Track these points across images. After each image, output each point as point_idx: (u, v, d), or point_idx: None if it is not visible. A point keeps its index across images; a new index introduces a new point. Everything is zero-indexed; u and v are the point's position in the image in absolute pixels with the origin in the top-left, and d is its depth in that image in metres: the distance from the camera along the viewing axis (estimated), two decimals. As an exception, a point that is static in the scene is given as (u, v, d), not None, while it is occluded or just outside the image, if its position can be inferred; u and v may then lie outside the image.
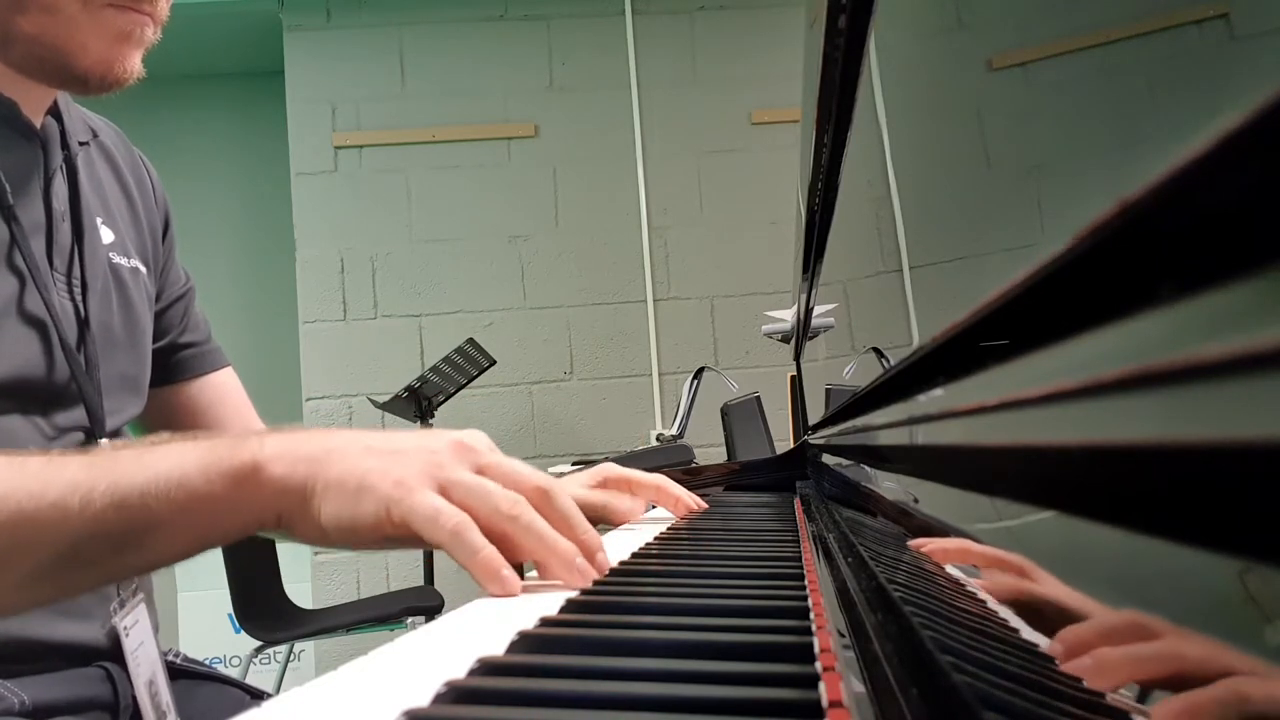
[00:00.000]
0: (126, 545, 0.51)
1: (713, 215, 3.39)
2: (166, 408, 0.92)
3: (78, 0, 0.68)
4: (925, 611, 0.32)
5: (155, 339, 0.89)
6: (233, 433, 0.76)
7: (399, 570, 3.21)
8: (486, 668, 0.30)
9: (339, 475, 0.52)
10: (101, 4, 0.69)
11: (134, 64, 0.72)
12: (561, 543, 0.51)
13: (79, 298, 0.76)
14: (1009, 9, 0.28)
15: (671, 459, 1.83)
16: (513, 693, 0.29)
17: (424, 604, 2.38)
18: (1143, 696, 0.16)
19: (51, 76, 0.73)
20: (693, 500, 0.85)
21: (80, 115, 0.85)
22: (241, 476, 0.52)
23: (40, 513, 0.49)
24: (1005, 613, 0.24)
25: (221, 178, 3.80)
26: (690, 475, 1.33)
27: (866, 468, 0.63)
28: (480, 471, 0.54)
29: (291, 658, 2.54)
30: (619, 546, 0.66)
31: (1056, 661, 0.20)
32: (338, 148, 3.34)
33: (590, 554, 0.53)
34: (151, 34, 0.73)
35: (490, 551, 0.49)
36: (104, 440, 0.76)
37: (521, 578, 0.51)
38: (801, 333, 1.41)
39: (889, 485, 0.52)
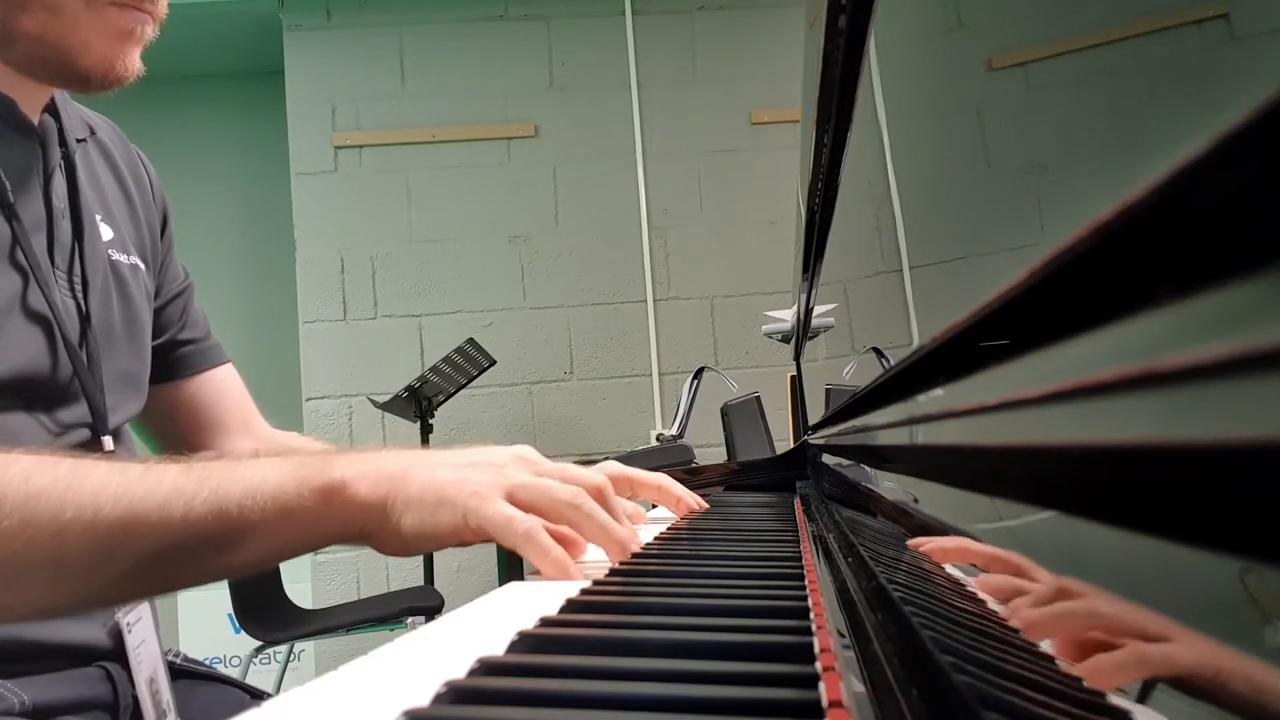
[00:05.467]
0: (223, 548, 0.56)
1: (713, 215, 3.39)
2: (168, 405, 0.92)
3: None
4: (925, 611, 0.32)
5: (154, 336, 0.89)
6: (292, 445, 0.81)
7: (399, 570, 3.21)
8: (486, 667, 0.30)
9: (418, 491, 0.57)
10: (104, 2, 0.69)
11: (134, 62, 0.72)
12: (618, 529, 0.59)
13: (80, 295, 0.76)
14: (1009, 9, 0.28)
15: (671, 459, 1.83)
16: (513, 693, 0.29)
17: (424, 604, 2.39)
18: (1143, 696, 0.16)
19: (53, 75, 0.73)
20: (694, 500, 0.85)
21: (77, 112, 0.85)
22: (330, 492, 0.57)
23: (149, 513, 0.54)
24: (1005, 612, 0.24)
25: (221, 178, 3.80)
26: (690, 475, 1.33)
27: (866, 468, 0.63)
28: (539, 475, 0.61)
29: (291, 658, 2.54)
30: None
31: (1056, 661, 0.20)
32: (338, 148, 3.34)
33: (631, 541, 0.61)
34: (151, 32, 0.73)
35: (559, 552, 0.56)
36: (106, 438, 0.76)
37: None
38: (801, 333, 1.41)
39: (889, 485, 0.52)
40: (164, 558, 0.55)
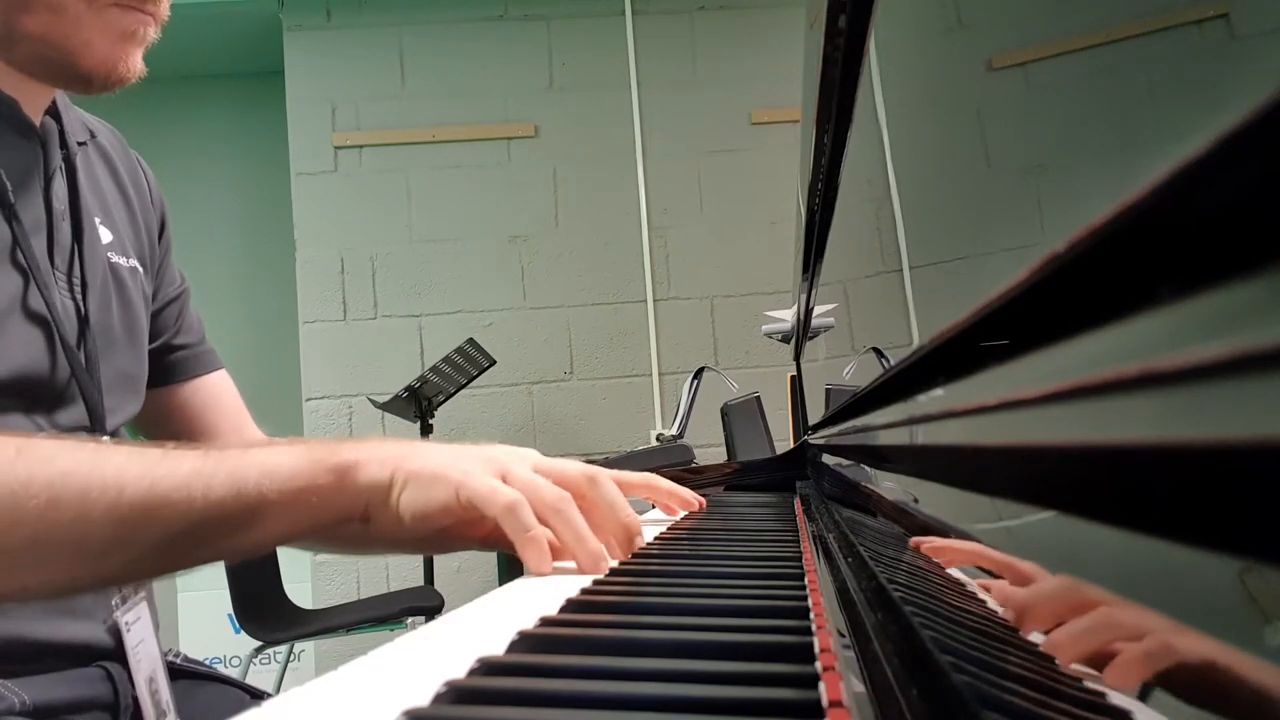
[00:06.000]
0: (238, 527, 0.58)
1: (713, 215, 3.39)
2: (161, 410, 0.92)
3: (83, 0, 0.68)
4: (925, 611, 0.32)
5: (150, 339, 0.89)
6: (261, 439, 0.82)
7: (399, 570, 3.21)
8: (486, 667, 0.30)
9: (418, 468, 0.60)
10: (106, 3, 0.69)
11: (136, 63, 0.73)
12: (592, 542, 0.58)
13: (79, 296, 0.77)
14: (1009, 9, 0.28)
15: (671, 459, 1.83)
16: (513, 692, 0.29)
17: (424, 604, 2.38)
18: (1143, 696, 0.16)
19: (55, 76, 0.73)
20: (685, 495, 0.84)
21: (78, 116, 0.85)
22: (343, 470, 0.59)
23: (171, 493, 0.55)
24: (1005, 612, 0.24)
25: (221, 178, 3.80)
26: (690, 475, 1.33)
27: (866, 468, 0.63)
28: (536, 469, 0.62)
29: (291, 658, 2.54)
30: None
31: (1056, 661, 0.20)
32: (338, 148, 3.34)
33: (630, 537, 0.61)
34: (153, 33, 0.73)
35: (539, 531, 0.57)
36: (104, 439, 0.76)
37: None
38: (801, 333, 1.41)
39: (889, 485, 0.52)
40: (184, 537, 0.56)
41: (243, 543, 0.59)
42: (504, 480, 0.60)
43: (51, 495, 0.52)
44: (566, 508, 0.59)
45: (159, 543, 0.56)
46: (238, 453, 0.59)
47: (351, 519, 0.60)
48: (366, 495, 0.59)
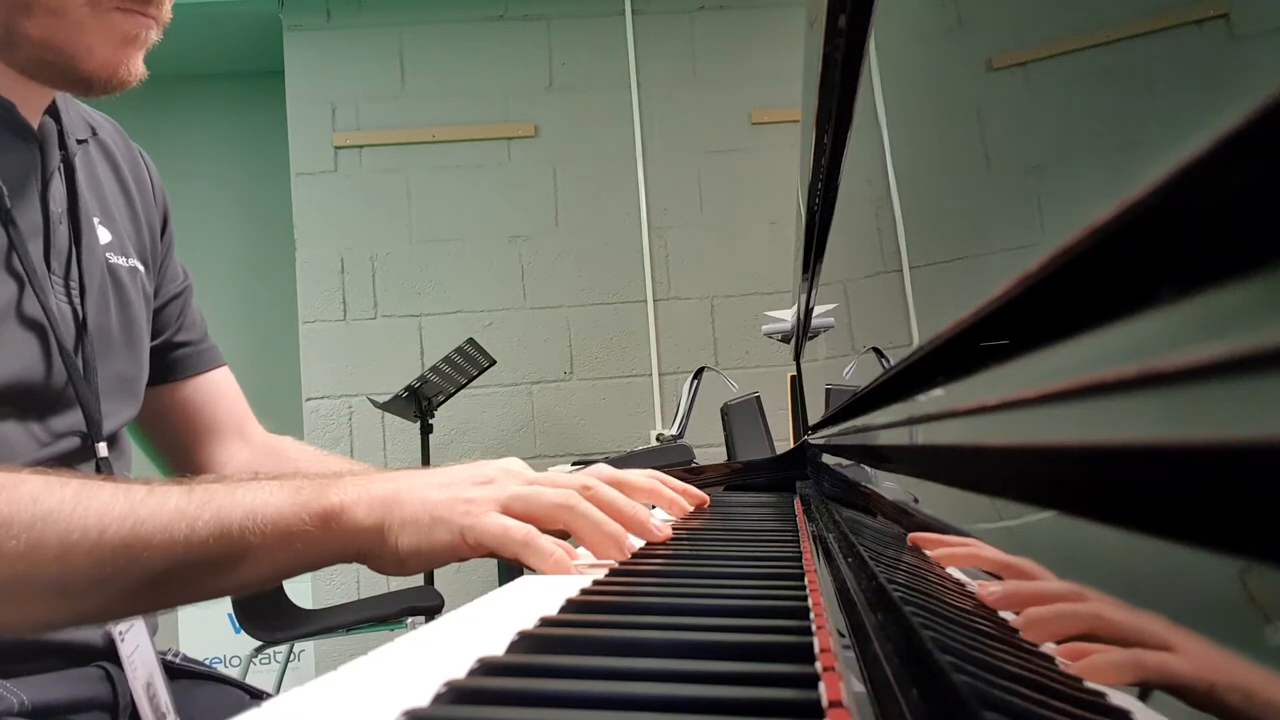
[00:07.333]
0: (221, 569, 0.57)
1: (713, 215, 3.39)
2: (163, 407, 0.92)
3: (85, 3, 0.68)
4: (925, 611, 0.32)
5: (152, 337, 0.88)
6: (304, 470, 0.82)
7: (399, 570, 3.21)
8: (486, 668, 0.30)
9: (412, 513, 0.58)
10: (108, 7, 0.69)
11: (138, 66, 0.72)
12: (610, 524, 0.59)
13: (77, 300, 0.76)
14: (1009, 9, 0.28)
15: (671, 459, 1.83)
16: (513, 693, 0.29)
17: (424, 604, 2.38)
18: (1143, 696, 0.16)
19: (56, 79, 0.72)
20: (685, 501, 0.82)
21: (80, 112, 0.85)
22: (328, 516, 0.58)
23: (153, 535, 0.55)
24: (1005, 612, 0.24)
25: (221, 178, 3.80)
26: (690, 475, 1.33)
27: (866, 468, 0.63)
28: (529, 484, 0.62)
29: (291, 658, 2.54)
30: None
31: (1056, 661, 0.20)
32: (338, 148, 3.34)
33: (643, 526, 0.62)
34: (155, 35, 0.73)
35: (560, 555, 0.57)
36: (100, 444, 0.75)
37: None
38: (801, 333, 1.41)
39: (889, 485, 0.52)
40: (165, 578, 0.56)
41: (227, 584, 0.58)
42: (506, 505, 0.59)
43: (32, 537, 0.52)
44: (575, 501, 0.59)
45: (141, 583, 0.55)
46: (224, 491, 0.58)
47: (342, 560, 0.59)
48: (358, 540, 0.58)
